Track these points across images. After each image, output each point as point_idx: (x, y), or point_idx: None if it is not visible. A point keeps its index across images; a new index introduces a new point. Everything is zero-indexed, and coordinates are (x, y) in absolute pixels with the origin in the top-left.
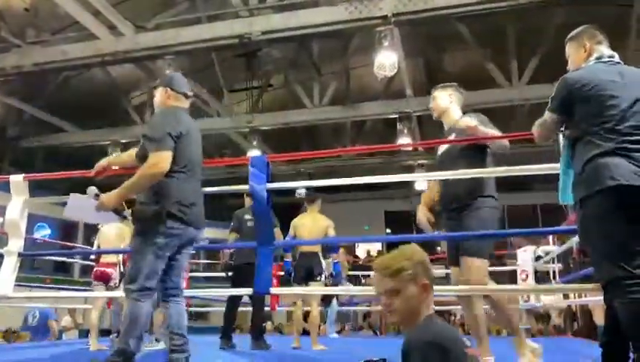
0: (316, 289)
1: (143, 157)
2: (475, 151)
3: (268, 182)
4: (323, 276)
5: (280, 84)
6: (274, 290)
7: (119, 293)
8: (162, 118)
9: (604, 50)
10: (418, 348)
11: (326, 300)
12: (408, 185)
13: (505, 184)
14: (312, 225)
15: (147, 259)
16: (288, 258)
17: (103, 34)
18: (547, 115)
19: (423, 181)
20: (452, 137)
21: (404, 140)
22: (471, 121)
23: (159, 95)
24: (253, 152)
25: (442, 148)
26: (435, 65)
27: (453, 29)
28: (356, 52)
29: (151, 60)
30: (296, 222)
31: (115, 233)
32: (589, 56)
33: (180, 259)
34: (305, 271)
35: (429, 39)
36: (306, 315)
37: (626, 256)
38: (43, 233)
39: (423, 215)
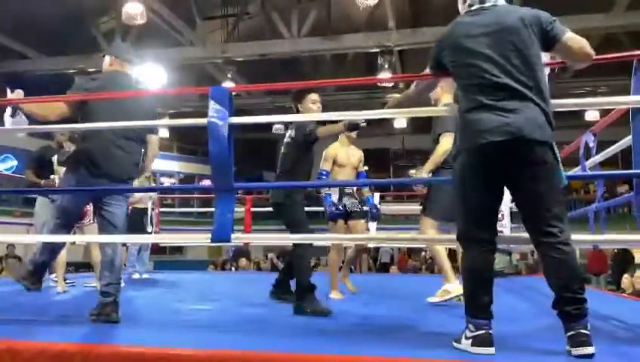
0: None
1: None
2: None
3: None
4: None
5: (257, 12)
6: (236, 237)
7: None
8: None
9: None
10: None
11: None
12: (388, 122)
13: None
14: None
15: None
16: (331, 192)
17: None
18: None
19: (402, 118)
20: None
21: (385, 75)
22: None
23: None
24: (228, 84)
25: None
26: None
27: None
28: None
29: None
30: (333, 153)
31: None
32: None
33: None
34: (345, 208)
35: None
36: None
37: None
38: (10, 164)
39: None
